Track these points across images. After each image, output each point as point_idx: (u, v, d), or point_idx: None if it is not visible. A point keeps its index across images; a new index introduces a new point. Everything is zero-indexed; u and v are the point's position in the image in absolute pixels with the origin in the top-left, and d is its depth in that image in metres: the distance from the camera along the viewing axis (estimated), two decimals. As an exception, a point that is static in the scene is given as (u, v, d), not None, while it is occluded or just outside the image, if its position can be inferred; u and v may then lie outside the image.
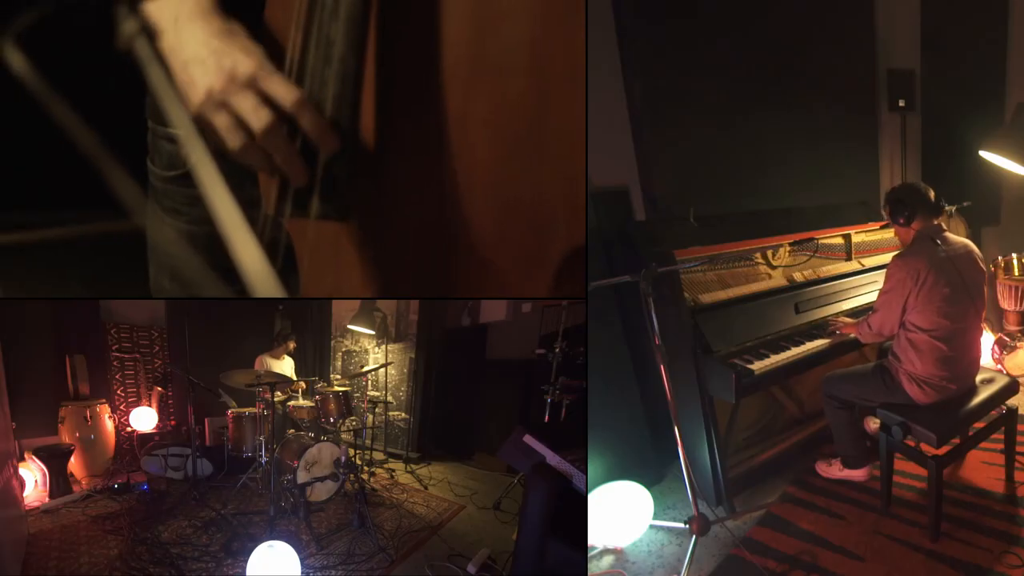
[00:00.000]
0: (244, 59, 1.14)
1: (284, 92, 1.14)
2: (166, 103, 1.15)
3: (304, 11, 1.19)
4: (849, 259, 3.28)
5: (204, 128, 1.17)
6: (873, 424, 2.92)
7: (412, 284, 1.29)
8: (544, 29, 1.14)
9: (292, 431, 4.12)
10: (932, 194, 2.53)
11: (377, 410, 5.07)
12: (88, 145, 1.22)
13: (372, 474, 4.42)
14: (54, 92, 1.20)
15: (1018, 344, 3.90)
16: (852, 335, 2.71)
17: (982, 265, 2.55)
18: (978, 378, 2.59)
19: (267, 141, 1.16)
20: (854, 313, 2.95)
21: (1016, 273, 4.14)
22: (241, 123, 1.15)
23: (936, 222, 2.52)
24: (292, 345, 4.73)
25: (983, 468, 2.79)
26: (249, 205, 1.26)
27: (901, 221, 2.54)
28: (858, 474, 2.81)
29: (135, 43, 1.16)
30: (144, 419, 4.42)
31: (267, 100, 1.15)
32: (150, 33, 1.16)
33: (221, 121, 1.15)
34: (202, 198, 1.12)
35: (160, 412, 4.52)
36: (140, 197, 1.30)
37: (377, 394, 5.39)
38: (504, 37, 1.15)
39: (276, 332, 4.78)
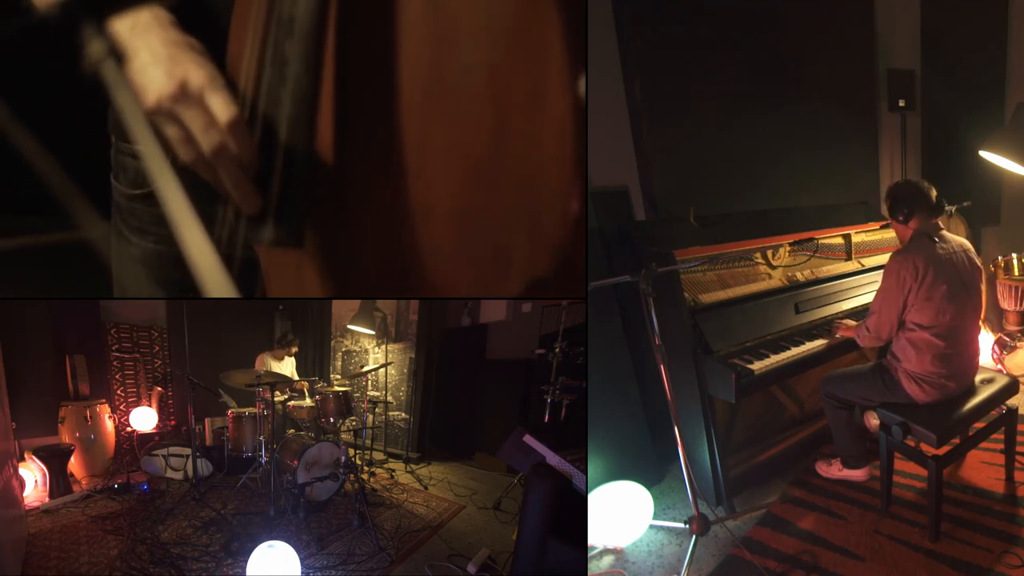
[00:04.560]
0: (195, 71, 1.12)
1: (220, 108, 1.12)
2: (132, 123, 1.12)
3: (260, 28, 1.15)
4: (849, 259, 3.28)
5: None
6: (874, 420, 2.92)
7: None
8: (504, 53, 1.12)
9: (292, 431, 4.12)
10: (933, 194, 2.54)
11: (377, 410, 5.08)
12: (45, 169, 1.20)
13: (372, 474, 4.42)
14: (15, 117, 1.17)
15: (1018, 344, 3.90)
16: (850, 337, 2.71)
17: (979, 263, 2.57)
18: (978, 378, 2.59)
19: (217, 163, 1.14)
20: (854, 313, 2.96)
21: (1016, 273, 4.14)
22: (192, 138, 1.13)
23: (934, 221, 2.52)
24: (294, 349, 4.72)
25: (983, 468, 2.79)
26: (209, 222, 1.24)
27: (900, 218, 2.54)
28: (858, 474, 2.81)
29: (103, 66, 1.13)
30: (144, 419, 4.43)
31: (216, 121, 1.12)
32: (118, 55, 1.14)
33: (172, 132, 1.13)
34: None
35: (160, 412, 4.53)
36: (96, 217, 1.26)
37: (377, 394, 5.40)
38: (463, 60, 1.13)
39: (279, 335, 4.77)
